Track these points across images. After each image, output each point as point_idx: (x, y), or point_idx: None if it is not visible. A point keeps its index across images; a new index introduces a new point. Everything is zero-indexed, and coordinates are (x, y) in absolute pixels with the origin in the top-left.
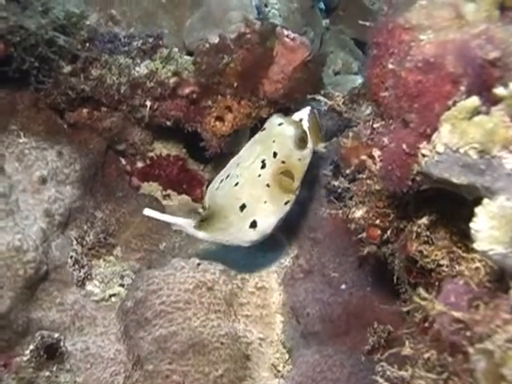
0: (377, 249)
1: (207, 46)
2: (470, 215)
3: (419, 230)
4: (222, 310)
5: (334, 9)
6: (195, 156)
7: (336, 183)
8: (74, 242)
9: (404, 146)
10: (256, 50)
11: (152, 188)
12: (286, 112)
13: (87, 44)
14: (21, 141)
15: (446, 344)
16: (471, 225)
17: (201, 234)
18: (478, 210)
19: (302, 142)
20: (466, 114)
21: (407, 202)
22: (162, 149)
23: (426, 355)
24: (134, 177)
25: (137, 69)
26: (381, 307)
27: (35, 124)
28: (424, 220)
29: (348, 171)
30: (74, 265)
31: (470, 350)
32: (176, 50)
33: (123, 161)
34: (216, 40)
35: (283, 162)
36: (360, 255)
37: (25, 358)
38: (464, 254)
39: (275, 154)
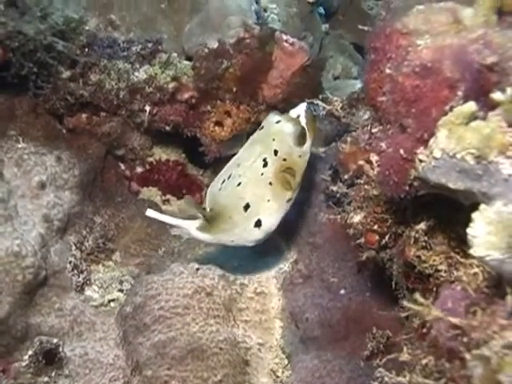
0: (375, 254)
1: (206, 50)
2: (468, 220)
3: (417, 236)
4: (221, 315)
5: (333, 13)
6: (194, 161)
7: (334, 188)
8: (73, 247)
9: (401, 151)
10: (255, 55)
11: (151, 193)
12: (282, 112)
13: (86, 49)
14: (20, 146)
15: (443, 350)
16: (468, 230)
17: (204, 236)
18: (474, 215)
19: (301, 138)
20: (462, 120)
21: (405, 208)
22: (161, 154)
23: (424, 361)
24: (134, 182)
25: (136, 74)
26: (380, 312)
27: (34, 129)
28: (422, 225)
29: (346, 176)
30: (72, 270)
31: (467, 356)
32: (175, 55)
33: (122, 166)
34: (215, 45)
35: (284, 160)
36: (359, 260)
37: (23, 364)
38: (462, 260)
39: (276, 152)
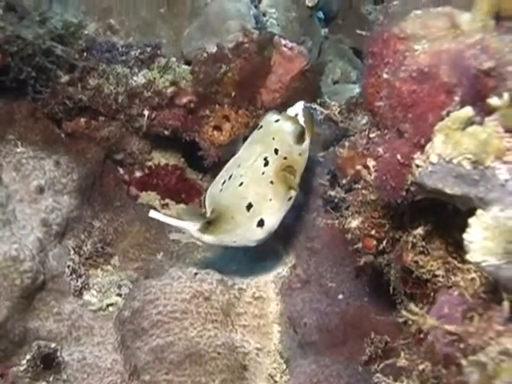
0: (373, 259)
1: (205, 55)
2: (465, 225)
3: (415, 241)
4: (219, 319)
5: (333, 18)
6: (193, 165)
7: (332, 193)
8: (72, 252)
9: (398, 157)
10: (254, 60)
11: (150, 197)
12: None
13: (85, 54)
14: (18, 150)
15: (440, 356)
16: (465, 236)
17: (206, 238)
18: (471, 220)
19: (300, 136)
20: (459, 125)
21: (402, 213)
22: (160, 158)
23: (421, 367)
24: (132, 186)
25: (134, 78)
26: (378, 317)
27: (33, 134)
28: (419, 230)
29: (344, 181)
30: (71, 274)
31: (463, 362)
32: (174, 59)
33: (121, 170)
34: (214, 49)
35: (285, 158)
36: (357, 265)
37: (21, 368)
38: (459, 265)
39: (276, 151)
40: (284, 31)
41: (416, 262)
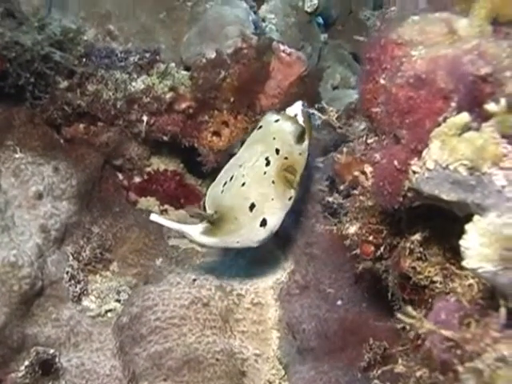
0: (372, 265)
1: (204, 61)
2: (463, 232)
3: (412, 247)
4: (218, 326)
5: (332, 23)
6: (193, 171)
7: (330, 199)
8: (70, 258)
9: (395, 163)
10: (252, 65)
11: (149, 203)
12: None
13: (84, 59)
14: (17, 156)
15: (437, 362)
16: (461, 242)
17: (209, 240)
18: (468, 226)
19: (301, 136)
20: (456, 131)
21: (400, 218)
22: (159, 164)
23: (418, 373)
24: (131, 192)
25: (133, 84)
26: (376, 323)
27: (31, 139)
28: (417, 236)
29: (342, 187)
30: (70, 280)
31: (460, 368)
32: (173, 65)
33: (120, 176)
34: (213, 55)
35: (286, 158)
36: (356, 271)
37: (20, 374)
38: (457, 271)
39: (278, 151)
40: (283, 37)
41: (414, 268)
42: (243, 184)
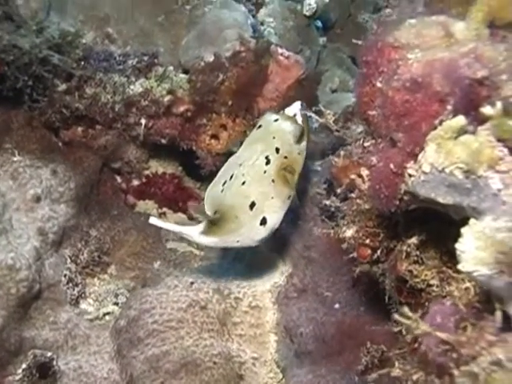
0: (369, 268)
1: (202, 64)
2: (458, 235)
3: (409, 250)
4: (215, 329)
5: (331, 27)
6: (191, 174)
7: (327, 202)
8: (68, 261)
9: (391, 166)
10: (251, 69)
11: (148, 206)
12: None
13: (82, 62)
14: (15, 159)
15: (433, 366)
16: (457, 245)
17: (209, 240)
18: (464, 230)
19: (300, 136)
20: (451, 134)
21: (397, 222)
22: (157, 167)
23: (415, 377)
24: (130, 195)
25: (131, 87)
26: (374, 327)
27: (30, 142)
28: (414, 239)
29: (339, 190)
30: (67, 283)
31: (456, 372)
32: (171, 68)
33: (119, 179)
34: (211, 58)
35: (285, 157)
36: (353, 274)
37: (17, 377)
38: (454, 274)
39: (278, 150)
40: (282, 40)
41: (410, 271)
42: (243, 183)
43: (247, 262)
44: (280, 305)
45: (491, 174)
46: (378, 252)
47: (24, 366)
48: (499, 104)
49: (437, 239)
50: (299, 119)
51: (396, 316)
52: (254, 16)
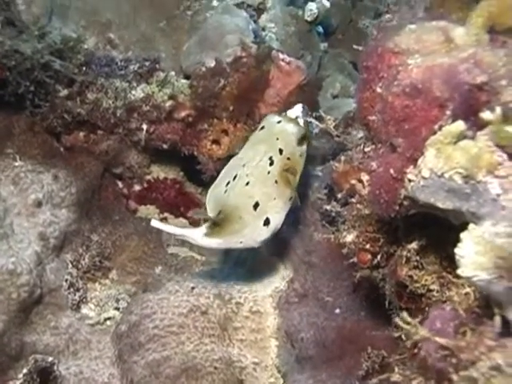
0: (370, 273)
1: (204, 69)
2: (458, 240)
3: (409, 255)
4: (216, 334)
5: (332, 32)
6: (192, 179)
7: (328, 207)
8: (70, 266)
9: (391, 171)
10: (252, 74)
11: (149, 211)
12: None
13: (84, 68)
14: (16, 164)
15: (432, 371)
16: (456, 250)
17: (212, 241)
18: (463, 235)
19: (302, 138)
20: (451, 139)
21: (397, 227)
22: (159, 172)
23: (414, 382)
24: (131, 200)
25: (133, 92)
26: (374, 332)
27: (31, 147)
28: (414, 245)
29: (340, 195)
30: (68, 288)
31: (455, 377)
32: (173, 73)
33: (120, 184)
34: (212, 64)
35: (288, 159)
36: (354, 280)
37: (18, 382)
38: (454, 279)
39: (281, 151)
40: (283, 46)
41: (410, 276)
42: (247, 183)
43: (248, 267)
44: (281, 310)
45: (490, 179)
46: (378, 257)
47: (25, 370)
48: (498, 109)
49: (437, 244)
50: (301, 122)
51: (396, 320)
52: (255, 21)
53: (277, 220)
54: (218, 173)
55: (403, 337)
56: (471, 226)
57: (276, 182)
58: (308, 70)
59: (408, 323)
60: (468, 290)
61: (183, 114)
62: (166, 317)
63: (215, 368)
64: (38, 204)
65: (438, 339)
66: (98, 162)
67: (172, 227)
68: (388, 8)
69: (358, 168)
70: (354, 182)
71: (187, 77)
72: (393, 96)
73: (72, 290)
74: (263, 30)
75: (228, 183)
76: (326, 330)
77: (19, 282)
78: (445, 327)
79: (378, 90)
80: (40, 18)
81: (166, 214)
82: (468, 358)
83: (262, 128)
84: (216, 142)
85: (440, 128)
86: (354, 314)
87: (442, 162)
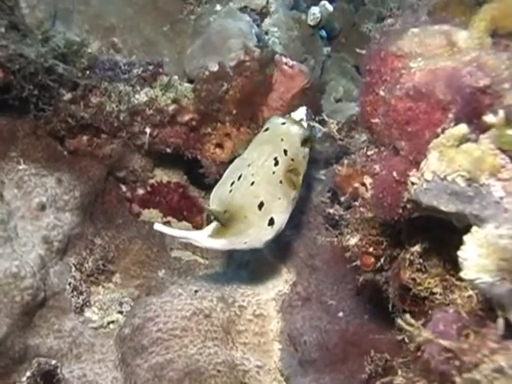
0: (373, 276)
1: (207, 73)
2: (461, 243)
3: (412, 258)
4: (220, 337)
5: (335, 36)
6: (196, 183)
7: (331, 211)
8: (73, 269)
9: (394, 174)
10: (255, 78)
11: (152, 215)
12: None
13: (87, 72)
14: (20, 167)
15: (435, 373)
16: (459, 253)
17: (217, 242)
18: (466, 237)
19: (306, 140)
20: (454, 142)
21: (400, 230)
22: (162, 176)
23: None
24: (135, 204)
25: (136, 96)
26: (377, 336)
27: (35, 151)
28: (417, 247)
29: (343, 199)
30: (72, 291)
31: (458, 379)
32: (176, 77)
33: (123, 187)
34: (216, 67)
35: (292, 160)
36: (357, 283)
37: None
38: (457, 282)
39: (286, 152)
40: (286, 50)
41: (414, 279)
42: (252, 183)
43: (251, 271)
44: (284, 313)
45: (493, 182)
46: (382, 260)
47: (28, 373)
48: (501, 112)
49: (440, 247)
50: (305, 124)
51: (399, 321)
52: (258, 25)
53: (281, 220)
54: (221, 177)
55: (406, 339)
56: (474, 228)
57: (281, 182)
58: (311, 74)
59: (411, 325)
60: (471, 292)
61: (186, 117)
62: (170, 320)
63: (218, 371)
64: (42, 207)
65: (441, 341)
66: (102, 166)
67: (175, 230)
68: (391, 12)
69: (361, 171)
70: (357, 185)
71: (191, 81)
72: (396, 99)
73: (75, 293)
74: (266, 34)
75: (233, 183)
76: (329, 333)
77: (23, 286)
78: (448, 329)
79: (381, 93)
80: (44, 22)
81: (169, 218)
82: (471, 361)
83: (267, 129)
84: (219, 145)
85: (443, 131)
86: (357, 318)
87: (444, 165)
